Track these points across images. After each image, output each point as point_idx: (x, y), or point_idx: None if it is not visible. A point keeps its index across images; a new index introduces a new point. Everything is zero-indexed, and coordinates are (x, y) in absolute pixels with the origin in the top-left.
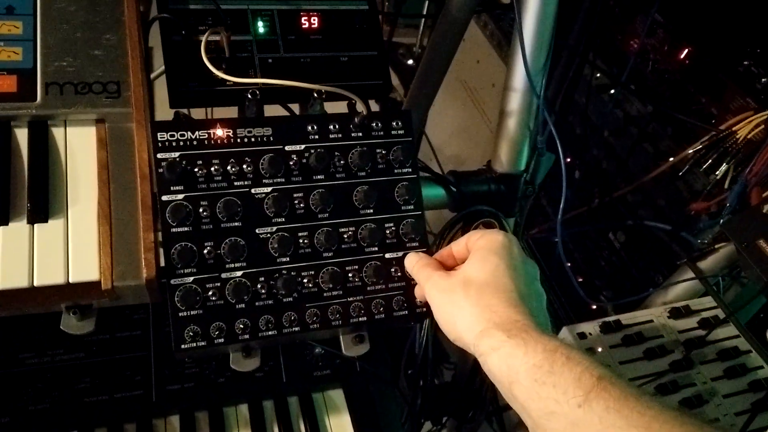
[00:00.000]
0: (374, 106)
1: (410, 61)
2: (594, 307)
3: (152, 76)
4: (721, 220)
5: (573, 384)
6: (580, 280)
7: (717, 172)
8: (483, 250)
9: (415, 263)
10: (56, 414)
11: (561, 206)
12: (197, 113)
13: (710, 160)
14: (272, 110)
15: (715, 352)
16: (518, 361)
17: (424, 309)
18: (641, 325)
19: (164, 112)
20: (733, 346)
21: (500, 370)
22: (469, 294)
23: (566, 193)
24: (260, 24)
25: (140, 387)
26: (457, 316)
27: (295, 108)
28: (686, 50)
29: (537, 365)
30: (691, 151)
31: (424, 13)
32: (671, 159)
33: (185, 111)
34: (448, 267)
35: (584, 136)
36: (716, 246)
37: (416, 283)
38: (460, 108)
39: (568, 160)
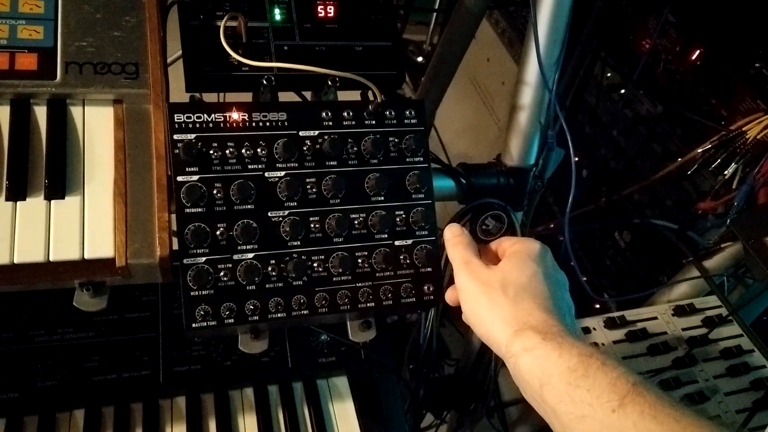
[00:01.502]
0: None
1: (420, 59)
2: (597, 306)
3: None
4: (729, 220)
5: (608, 389)
6: (584, 279)
7: (725, 172)
8: (522, 254)
9: (457, 235)
10: (64, 391)
11: (570, 200)
12: (208, 100)
13: (719, 160)
14: (285, 98)
15: (717, 350)
16: (552, 364)
17: (432, 297)
18: (645, 322)
19: (174, 98)
20: (736, 344)
21: (531, 372)
22: (507, 294)
23: (575, 187)
24: (277, 11)
25: (148, 367)
26: (492, 313)
27: (308, 97)
28: (698, 51)
29: (571, 369)
30: (700, 151)
31: (436, 8)
32: (680, 159)
33: (198, 95)
34: None
35: (593, 134)
36: (722, 245)
37: (425, 270)
38: (469, 105)
39: (576, 159)
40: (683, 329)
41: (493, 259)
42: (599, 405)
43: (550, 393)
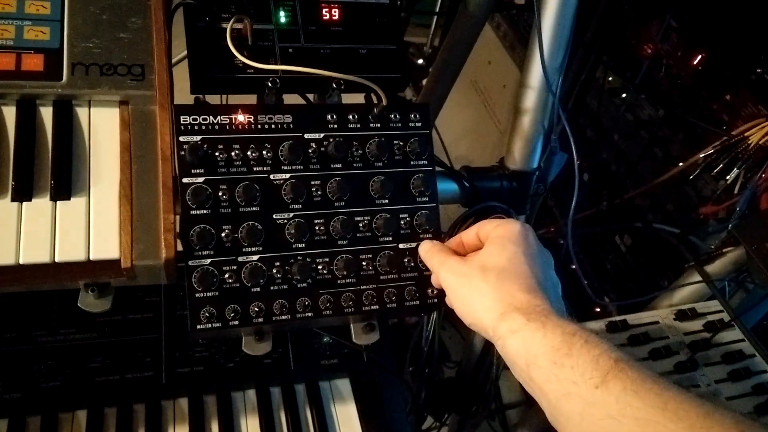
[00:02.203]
0: None
1: (420, 61)
2: (597, 309)
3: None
4: (731, 224)
5: (591, 366)
6: (584, 282)
7: (727, 177)
8: (500, 239)
9: (428, 249)
10: (67, 392)
11: (573, 204)
12: (212, 102)
13: (721, 165)
14: (289, 100)
15: (719, 354)
16: (537, 344)
17: (436, 300)
18: (647, 326)
19: (177, 100)
20: (738, 349)
21: (518, 353)
22: (488, 279)
23: (577, 190)
24: (282, 14)
25: (150, 368)
26: (476, 301)
27: (312, 99)
28: (700, 56)
29: (556, 347)
30: (702, 156)
31: (437, 11)
32: (681, 164)
33: (202, 97)
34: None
35: (595, 139)
36: (724, 250)
37: (429, 273)
38: (469, 108)
39: (578, 163)
40: (685, 334)
41: (475, 246)
42: (583, 382)
43: (537, 373)
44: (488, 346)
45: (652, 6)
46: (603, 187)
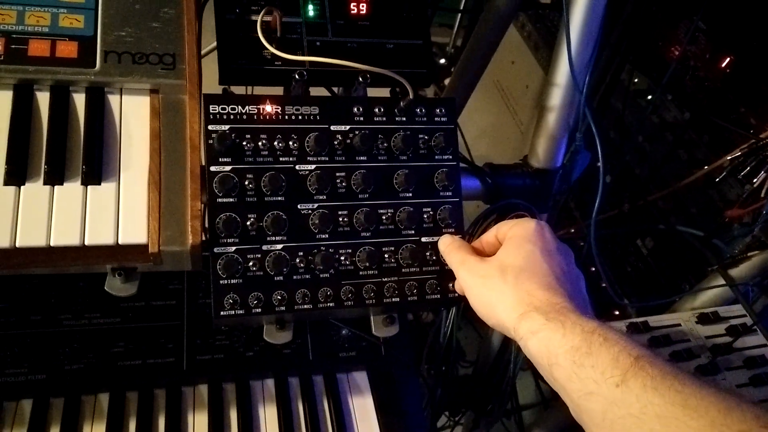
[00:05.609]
0: None
1: (443, 60)
2: (617, 312)
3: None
4: (757, 228)
5: (611, 364)
6: (603, 285)
7: (754, 181)
8: (517, 238)
9: (448, 244)
10: (90, 375)
11: (597, 203)
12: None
13: (748, 168)
14: (315, 93)
15: (741, 359)
16: (557, 344)
17: (456, 294)
18: (668, 329)
19: (204, 90)
20: (760, 354)
21: (540, 353)
22: (507, 279)
23: (602, 189)
24: (310, 7)
25: (172, 355)
26: (496, 302)
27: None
28: (728, 59)
29: (575, 347)
30: (728, 158)
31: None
32: (706, 167)
33: (229, 89)
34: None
35: (619, 140)
36: (749, 254)
37: (449, 268)
38: (491, 108)
39: (602, 161)
40: (707, 337)
41: (495, 247)
42: (603, 381)
43: (559, 372)
44: (506, 344)
45: (680, 7)
46: (626, 189)
